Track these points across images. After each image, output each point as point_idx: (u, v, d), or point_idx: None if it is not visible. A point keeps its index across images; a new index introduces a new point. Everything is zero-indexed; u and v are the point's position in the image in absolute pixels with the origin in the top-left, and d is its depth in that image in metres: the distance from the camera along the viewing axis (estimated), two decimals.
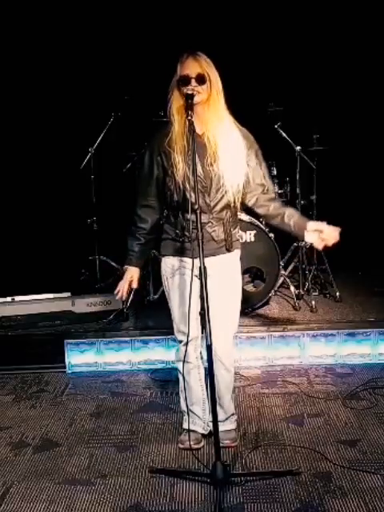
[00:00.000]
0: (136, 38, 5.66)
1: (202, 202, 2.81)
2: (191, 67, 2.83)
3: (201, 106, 2.87)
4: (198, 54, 2.86)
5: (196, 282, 2.77)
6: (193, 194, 2.75)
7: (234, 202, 2.93)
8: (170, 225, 3.04)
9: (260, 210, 3.05)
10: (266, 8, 5.59)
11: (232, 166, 2.89)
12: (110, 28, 5.65)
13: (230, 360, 3.12)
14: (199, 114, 2.87)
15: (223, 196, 2.91)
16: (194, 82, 2.81)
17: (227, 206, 2.94)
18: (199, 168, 2.85)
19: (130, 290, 3.15)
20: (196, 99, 2.82)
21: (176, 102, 2.89)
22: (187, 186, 2.87)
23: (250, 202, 3.02)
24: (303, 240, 3.06)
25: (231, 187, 2.89)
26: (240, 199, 2.95)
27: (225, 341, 3.05)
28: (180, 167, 2.88)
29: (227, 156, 2.88)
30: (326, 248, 2.92)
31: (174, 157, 2.90)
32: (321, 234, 2.86)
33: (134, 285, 3.11)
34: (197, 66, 2.83)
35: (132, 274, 3.10)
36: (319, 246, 2.90)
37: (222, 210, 2.94)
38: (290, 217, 2.96)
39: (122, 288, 3.08)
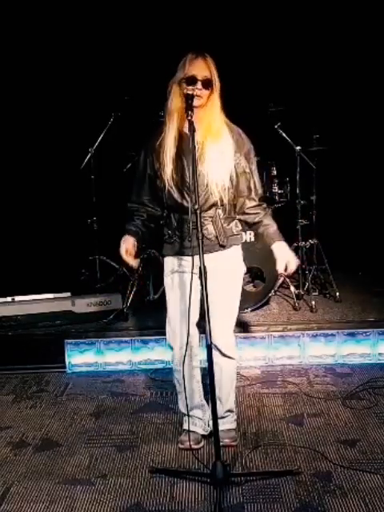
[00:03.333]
0: (136, 39, 5.66)
1: (188, 201, 2.81)
2: (200, 68, 2.81)
3: (199, 108, 2.86)
4: (207, 55, 2.85)
5: (195, 281, 2.78)
6: (192, 196, 2.75)
7: (222, 200, 2.93)
8: (165, 225, 3.07)
9: (243, 218, 3.06)
10: (266, 8, 5.59)
11: (217, 166, 2.88)
12: (110, 28, 5.65)
13: (230, 348, 3.10)
14: (195, 115, 2.85)
15: (209, 196, 2.91)
16: (199, 85, 2.81)
17: (215, 205, 2.94)
18: (185, 168, 2.86)
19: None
20: (196, 102, 2.82)
21: (176, 102, 2.89)
22: (174, 186, 2.89)
23: (237, 206, 3.02)
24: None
25: (216, 186, 2.89)
26: (228, 196, 2.94)
27: (223, 331, 3.03)
28: (168, 168, 2.89)
29: (213, 157, 2.88)
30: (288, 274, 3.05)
31: (162, 157, 2.91)
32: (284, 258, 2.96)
33: (131, 251, 3.01)
34: (205, 68, 2.82)
35: (127, 239, 3.02)
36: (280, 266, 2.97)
37: (209, 208, 2.94)
38: (265, 227, 3.02)
39: (124, 256, 3.00)
